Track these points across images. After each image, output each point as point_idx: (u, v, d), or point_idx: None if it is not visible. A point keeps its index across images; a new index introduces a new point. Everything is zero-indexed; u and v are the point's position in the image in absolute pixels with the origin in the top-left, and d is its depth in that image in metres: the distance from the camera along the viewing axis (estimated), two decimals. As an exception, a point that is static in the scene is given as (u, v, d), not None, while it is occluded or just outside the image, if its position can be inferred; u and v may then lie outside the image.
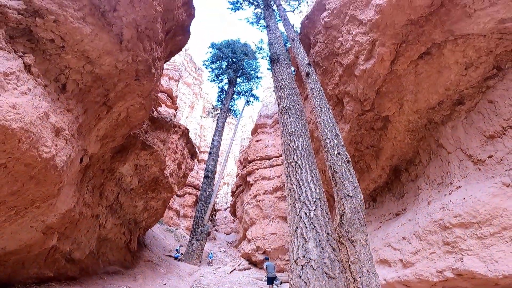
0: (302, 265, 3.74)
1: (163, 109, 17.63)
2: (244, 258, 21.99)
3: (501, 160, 5.43)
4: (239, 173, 28.42)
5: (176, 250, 17.91)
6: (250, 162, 25.49)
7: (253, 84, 29.29)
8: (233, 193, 30.28)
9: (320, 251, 3.80)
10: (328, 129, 5.43)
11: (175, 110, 21.09)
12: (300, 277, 3.65)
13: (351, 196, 4.28)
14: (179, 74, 28.70)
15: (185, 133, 16.46)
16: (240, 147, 40.22)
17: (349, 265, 3.67)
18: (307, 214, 4.33)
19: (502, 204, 4.93)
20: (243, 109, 28.67)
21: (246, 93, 29.26)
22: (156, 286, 11.35)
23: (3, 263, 6.16)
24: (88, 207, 8.35)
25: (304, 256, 3.83)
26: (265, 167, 24.32)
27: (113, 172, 9.96)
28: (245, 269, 19.19)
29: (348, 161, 4.82)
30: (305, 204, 4.48)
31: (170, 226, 26.97)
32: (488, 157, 5.69)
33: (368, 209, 10.31)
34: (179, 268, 14.93)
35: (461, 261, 5.29)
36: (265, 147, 25.58)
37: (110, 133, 7.93)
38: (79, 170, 7.03)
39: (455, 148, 6.54)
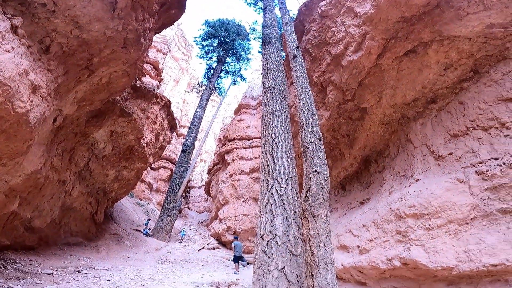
0: (268, 241, 3.87)
1: (147, 79, 17.01)
2: (214, 238, 22.13)
3: (460, 157, 5.82)
4: (217, 151, 28.26)
5: (145, 224, 17.48)
6: (229, 141, 25.36)
7: (242, 65, 28.84)
8: (209, 171, 30.09)
9: (286, 228, 3.95)
10: (306, 108, 5.62)
11: (159, 82, 20.40)
12: (265, 252, 3.78)
13: (318, 172, 4.46)
14: (168, 47, 27.55)
15: (167, 105, 16.08)
16: (221, 126, 39.88)
17: (309, 238, 3.88)
18: (278, 191, 4.47)
19: (452, 198, 5.29)
20: (228, 88, 28.26)
21: (234, 73, 28.79)
22: (119, 259, 11.09)
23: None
24: (55, 171, 8.06)
25: (270, 232, 3.96)
26: (244, 147, 24.30)
27: (87, 137, 9.65)
28: (214, 248, 19.26)
29: (320, 139, 4.99)
30: (277, 181, 4.62)
31: (141, 199, 26.36)
32: (449, 154, 6.08)
33: (336, 197, 10.82)
34: (146, 243, 14.68)
35: (408, 251, 5.54)
36: (246, 127, 25.48)
37: (89, 96, 7.73)
38: (51, 130, 6.80)
39: (421, 143, 6.93)
